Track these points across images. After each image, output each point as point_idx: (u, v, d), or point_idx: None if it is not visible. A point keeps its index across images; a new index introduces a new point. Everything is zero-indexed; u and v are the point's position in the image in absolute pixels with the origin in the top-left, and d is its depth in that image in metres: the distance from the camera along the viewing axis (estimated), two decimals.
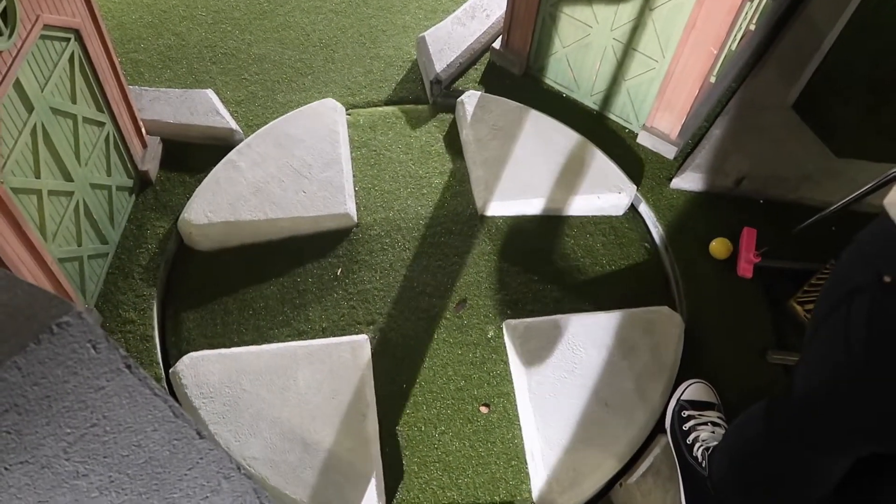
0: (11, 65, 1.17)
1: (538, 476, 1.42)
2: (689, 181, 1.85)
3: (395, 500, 1.42)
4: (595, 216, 1.81)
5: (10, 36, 1.15)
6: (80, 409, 0.72)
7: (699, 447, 1.40)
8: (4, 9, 1.14)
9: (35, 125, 1.27)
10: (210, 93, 1.86)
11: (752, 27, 1.92)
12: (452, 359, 1.58)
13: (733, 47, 1.84)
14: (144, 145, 1.73)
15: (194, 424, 0.78)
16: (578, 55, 1.90)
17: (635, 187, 1.80)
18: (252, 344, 1.55)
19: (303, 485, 1.36)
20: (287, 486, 1.36)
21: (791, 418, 1.09)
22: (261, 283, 1.64)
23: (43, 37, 1.26)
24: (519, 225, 1.77)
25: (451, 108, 1.97)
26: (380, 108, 1.96)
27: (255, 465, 1.39)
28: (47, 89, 1.29)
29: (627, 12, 1.71)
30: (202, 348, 1.53)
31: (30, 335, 0.71)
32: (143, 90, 1.84)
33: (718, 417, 1.45)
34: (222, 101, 1.90)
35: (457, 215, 1.77)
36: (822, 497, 1.20)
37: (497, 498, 1.43)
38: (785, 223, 1.77)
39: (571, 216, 1.80)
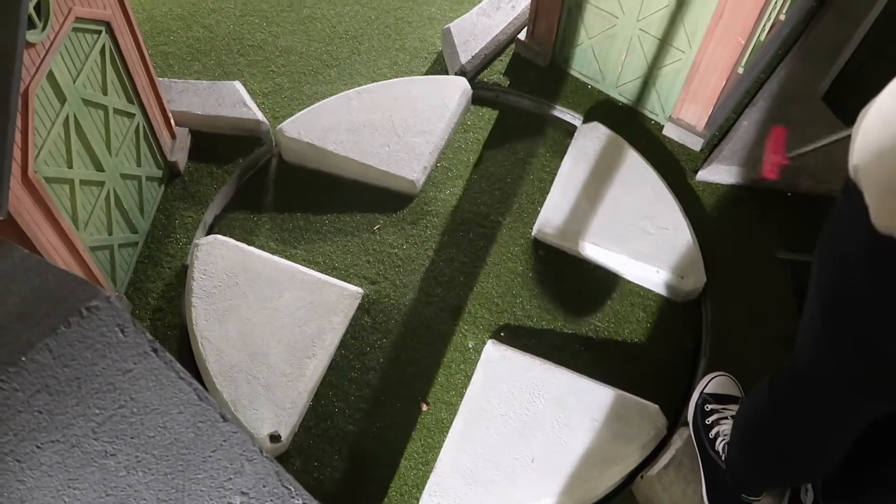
0: (45, 57, 1.20)
1: (430, 489, 1.40)
2: (715, 173, 1.84)
3: (291, 440, 1.46)
4: (645, 288, 1.68)
5: (44, 29, 1.18)
6: (108, 391, 0.74)
7: (721, 441, 1.40)
8: (38, 2, 1.17)
9: (67, 116, 1.30)
10: (237, 84, 1.88)
11: (783, 17, 1.90)
12: (425, 349, 1.58)
13: (762, 38, 1.82)
14: (173, 136, 1.76)
15: (218, 408, 0.80)
16: (604, 46, 1.89)
17: (704, 280, 1.64)
18: (271, 252, 1.65)
19: (231, 383, 1.46)
20: (219, 375, 1.47)
21: (791, 382, 1.09)
22: (312, 209, 1.76)
23: (75, 29, 1.29)
24: (564, 260, 1.70)
25: (484, 101, 1.97)
26: None
27: (205, 344, 1.50)
28: (79, 81, 1.32)
29: (654, 2, 1.70)
30: (233, 236, 1.67)
31: (60, 318, 0.74)
32: (172, 82, 1.87)
33: None
34: (249, 93, 1.92)
35: (509, 225, 1.75)
36: (835, 465, 1.20)
37: (387, 493, 1.43)
38: (812, 216, 1.75)
39: (622, 277, 1.69)
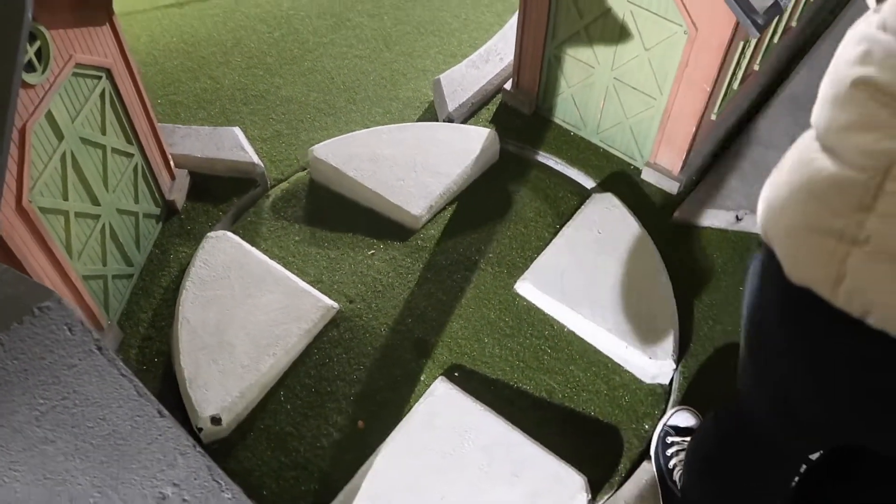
0: (44, 97, 1.32)
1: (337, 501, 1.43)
2: (690, 215, 1.89)
3: (234, 429, 1.55)
4: (614, 361, 1.67)
5: (44, 72, 1.31)
6: (53, 383, 0.82)
7: (678, 471, 1.42)
8: (39, 48, 1.30)
9: (65, 152, 1.42)
10: (237, 130, 2.01)
11: (756, 67, 1.97)
12: (379, 372, 1.64)
13: (735, 86, 1.89)
14: (173, 177, 1.87)
15: (156, 404, 0.86)
16: (584, 94, 1.98)
17: (672, 368, 1.62)
18: (270, 256, 1.78)
19: (194, 362, 1.57)
20: (186, 354, 1.58)
21: (732, 416, 1.12)
22: (322, 225, 1.89)
23: (75, 74, 1.42)
24: (538, 318, 1.73)
25: (510, 155, 2.05)
26: (277, 188, 2.04)
27: (183, 324, 1.62)
28: (78, 121, 1.44)
29: (626, 52, 1.79)
30: (245, 236, 1.83)
31: (14, 316, 0.82)
32: (176, 127, 2.00)
33: None
34: (249, 139, 2.04)
35: (495, 273, 1.80)
36: (780, 497, 1.22)
37: (310, 496, 1.49)
38: None
39: (592, 345, 1.69)
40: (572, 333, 1.71)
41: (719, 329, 1.73)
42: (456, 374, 1.64)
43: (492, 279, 1.80)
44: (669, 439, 1.49)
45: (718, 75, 1.68)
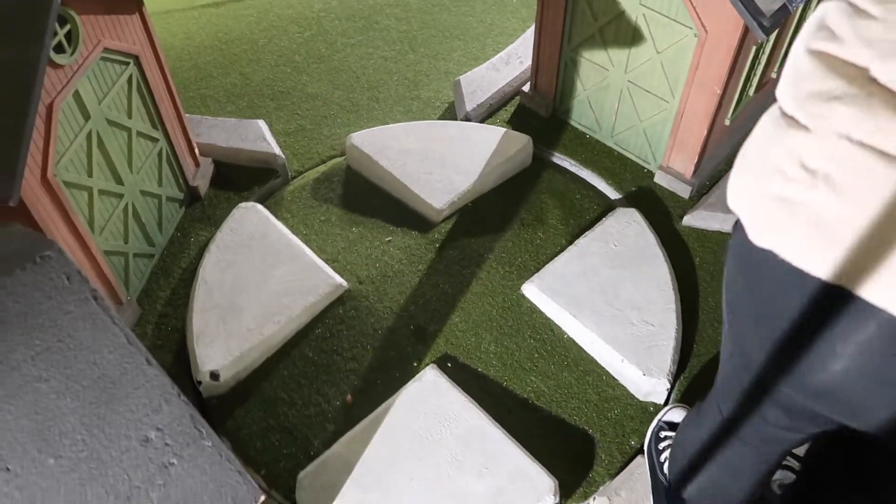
0: (71, 78, 1.40)
1: (311, 468, 1.49)
2: (700, 219, 1.90)
3: (231, 387, 1.63)
4: (609, 374, 1.67)
5: (72, 54, 1.39)
6: (49, 327, 0.88)
7: (667, 463, 1.43)
8: (69, 30, 1.38)
9: (90, 131, 1.50)
10: (261, 123, 2.08)
11: (773, 75, 1.98)
12: (375, 352, 1.69)
13: (750, 93, 1.90)
14: (197, 164, 1.95)
15: (145, 353, 0.92)
16: (599, 97, 2.00)
17: (667, 387, 1.60)
18: (293, 231, 1.86)
19: (203, 320, 1.67)
20: (198, 311, 1.68)
21: (711, 398, 1.13)
22: (349, 208, 1.97)
23: (103, 58, 1.50)
24: (539, 321, 1.75)
25: (542, 161, 2.08)
26: (317, 169, 2.12)
27: (200, 284, 1.73)
28: (104, 103, 1.53)
29: (639, 55, 1.82)
30: (274, 209, 1.93)
31: (18, 264, 0.88)
32: (204, 118, 2.08)
33: None
34: (274, 132, 2.12)
35: (504, 273, 1.83)
36: (743, 496, 1.22)
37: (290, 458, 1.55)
38: None
39: (590, 354, 1.70)
40: (571, 340, 1.72)
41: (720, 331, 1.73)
42: (448, 364, 1.68)
43: (500, 278, 1.83)
44: (663, 434, 1.50)
45: (729, 78, 1.69)
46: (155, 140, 1.75)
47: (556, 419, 1.61)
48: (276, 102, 2.26)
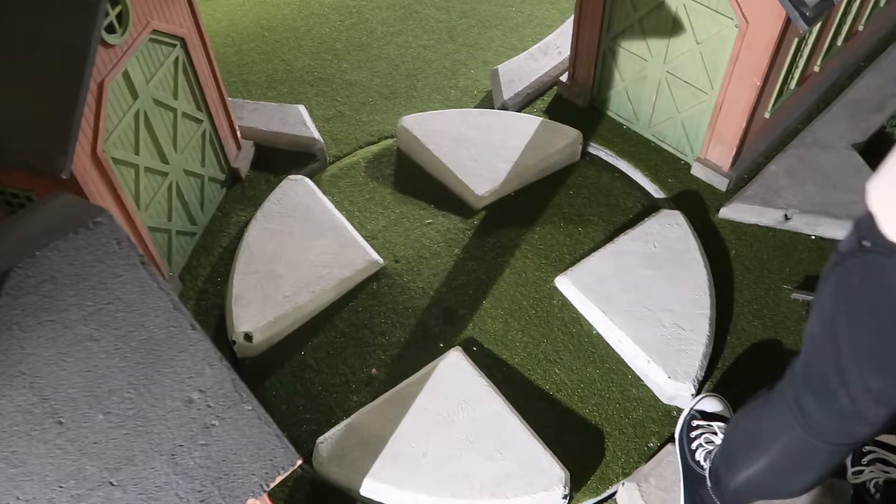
0: (121, 58, 1.45)
1: (330, 434, 1.53)
2: (737, 211, 1.89)
3: (262, 352, 1.71)
4: (634, 373, 1.66)
5: (123, 34, 1.43)
6: (100, 289, 0.92)
7: (701, 451, 1.43)
8: (120, 12, 1.42)
9: (138, 110, 1.54)
10: (301, 108, 2.12)
11: (817, 69, 1.96)
12: (402, 329, 1.73)
13: (791, 86, 1.88)
14: (239, 146, 2.00)
15: (189, 318, 0.95)
16: (637, 88, 2.00)
17: (692, 392, 1.58)
18: (337, 206, 1.92)
19: (244, 283, 1.74)
20: (239, 274, 1.76)
21: (788, 389, 1.11)
22: (395, 188, 2.02)
23: (152, 40, 1.54)
24: (569, 315, 1.75)
25: (592, 158, 2.08)
26: (368, 149, 2.15)
27: (244, 249, 1.80)
28: (152, 83, 1.57)
29: (678, 46, 1.81)
30: (321, 184, 2.00)
31: (71, 228, 0.92)
32: (246, 102, 2.13)
33: (724, 429, 1.47)
34: (313, 118, 2.15)
35: (539, 265, 1.84)
36: (811, 483, 1.21)
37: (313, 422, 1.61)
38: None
39: (617, 352, 1.70)
40: (599, 337, 1.72)
41: (758, 324, 1.72)
42: (474, 348, 1.70)
43: (534, 269, 1.84)
44: (695, 423, 1.50)
45: (770, 70, 1.68)
46: (199, 121, 1.79)
47: (576, 413, 1.62)
48: (315, 89, 2.30)
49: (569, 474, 1.47)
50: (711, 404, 1.54)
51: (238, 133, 1.98)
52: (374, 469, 1.48)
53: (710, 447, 1.42)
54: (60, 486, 0.85)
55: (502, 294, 1.80)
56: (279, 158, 2.07)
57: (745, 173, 1.98)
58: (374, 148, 2.11)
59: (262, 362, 1.69)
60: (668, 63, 1.86)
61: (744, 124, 1.80)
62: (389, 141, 2.13)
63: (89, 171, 1.40)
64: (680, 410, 1.60)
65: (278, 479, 0.95)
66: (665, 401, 1.63)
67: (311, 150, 2.06)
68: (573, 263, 1.80)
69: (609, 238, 1.84)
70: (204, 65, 1.75)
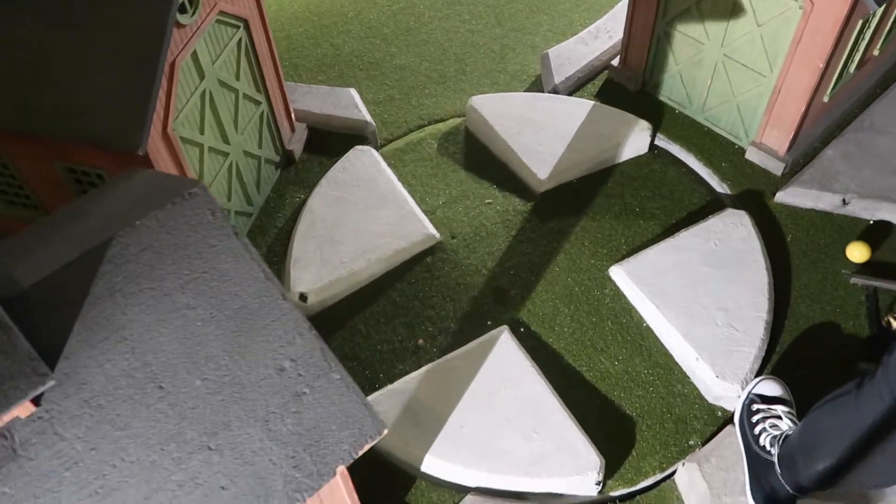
0: (191, 38, 1.47)
1: (374, 397, 1.58)
2: (794, 196, 1.88)
3: (316, 313, 1.76)
4: (681, 369, 1.65)
5: (193, 14, 1.45)
6: (196, 258, 0.94)
7: (766, 436, 1.43)
8: None
9: (204, 90, 1.57)
10: (352, 91, 2.13)
11: (877, 53, 1.93)
12: (452, 304, 1.77)
13: (851, 70, 1.86)
14: (293, 129, 2.02)
15: (280, 288, 0.97)
16: (691, 72, 1.99)
17: (738, 392, 1.56)
18: (401, 179, 1.96)
19: (303, 246, 1.80)
20: (300, 237, 1.82)
21: (887, 380, 1.10)
22: (459, 166, 2.04)
23: (218, 21, 1.56)
24: (621, 305, 1.75)
25: (660, 151, 2.06)
26: (436, 126, 2.17)
27: (306, 213, 1.86)
28: (217, 63, 1.59)
29: (737, 28, 1.80)
30: (389, 158, 2.03)
31: (168, 199, 0.94)
32: (298, 85, 2.15)
33: (788, 413, 1.46)
34: (363, 101, 2.16)
35: (595, 254, 1.84)
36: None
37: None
38: (894, 245, 1.78)
39: (665, 347, 1.68)
40: (649, 329, 1.71)
41: (817, 308, 1.71)
42: (521, 329, 1.71)
43: (589, 256, 1.83)
44: (755, 406, 1.49)
45: (833, 52, 1.67)
46: (258, 103, 1.81)
47: (617, 403, 1.61)
48: (365, 73, 2.31)
49: (604, 461, 1.48)
50: (770, 387, 1.53)
51: (292, 115, 2.00)
52: (411, 436, 1.51)
53: (776, 432, 1.42)
54: (162, 449, 0.88)
55: (555, 278, 1.80)
56: (331, 141, 2.08)
57: (801, 158, 1.96)
58: (442, 126, 2.13)
59: (315, 324, 1.70)
60: (726, 46, 1.85)
61: (803, 108, 1.78)
62: (458, 120, 2.14)
63: (160, 150, 1.43)
64: (724, 411, 1.59)
65: (366, 447, 0.97)
66: (711, 400, 1.61)
67: (363, 133, 2.07)
68: (629, 255, 1.79)
69: (669, 233, 1.82)
70: (264, 47, 1.77)
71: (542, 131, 2.00)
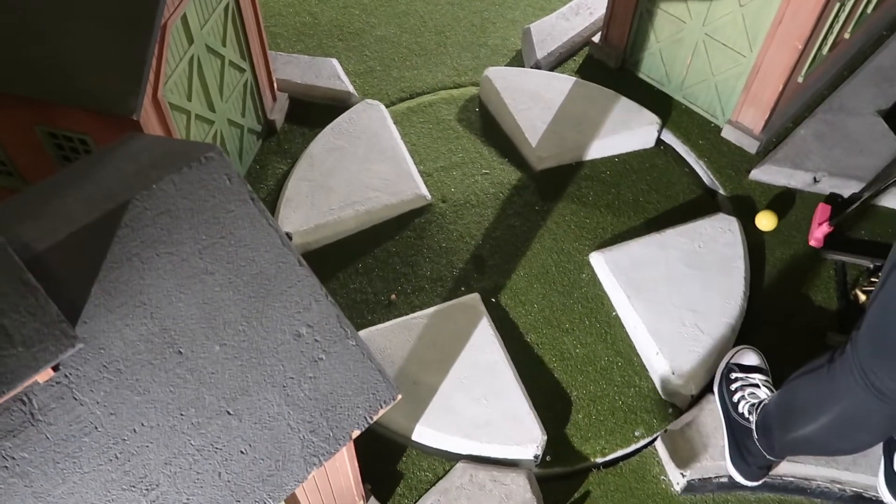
0: (182, 0, 1.43)
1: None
2: (767, 174, 1.94)
3: (301, 253, 1.67)
4: (641, 360, 1.68)
5: None
6: (213, 223, 0.93)
7: (744, 404, 1.49)
8: None
9: (192, 56, 1.53)
10: (334, 62, 2.11)
11: (847, 36, 2.00)
12: (430, 264, 1.80)
13: (824, 52, 1.92)
14: (274, 98, 1.99)
15: (296, 254, 0.97)
16: (671, 50, 2.03)
17: (689, 398, 1.60)
18: (404, 138, 2.00)
19: (297, 189, 1.85)
20: (294, 179, 1.87)
21: (856, 352, 1.15)
22: (460, 133, 2.06)
23: None
24: (595, 292, 1.77)
25: (668, 150, 2.06)
26: (448, 91, 2.18)
27: (305, 157, 1.91)
28: (205, 29, 1.56)
29: (719, 8, 1.84)
30: (398, 117, 2.06)
31: (184, 163, 0.93)
32: (278, 54, 2.11)
33: (765, 381, 1.53)
34: (344, 71, 2.15)
35: (578, 239, 1.86)
36: (868, 444, 1.27)
37: None
38: (861, 220, 1.85)
39: (629, 337, 1.70)
40: (617, 319, 1.73)
41: (789, 281, 1.78)
42: (493, 299, 1.75)
43: (573, 240, 1.85)
44: (733, 375, 1.55)
45: (812, 34, 1.72)
46: (242, 70, 1.78)
47: (572, 385, 1.65)
48: (344, 43, 2.29)
49: (546, 437, 1.52)
50: (748, 357, 1.59)
51: (275, 85, 1.97)
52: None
53: (754, 400, 1.48)
54: (182, 414, 0.87)
55: (534, 255, 1.83)
56: (313, 112, 2.06)
57: (774, 137, 2.02)
58: (456, 92, 2.14)
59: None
60: (708, 25, 1.89)
61: (780, 87, 1.84)
62: (473, 89, 2.15)
63: (150, 115, 1.40)
64: (675, 409, 1.63)
65: (381, 413, 0.98)
66: (664, 396, 1.64)
67: (345, 105, 2.06)
68: (613, 243, 1.81)
69: (658, 229, 1.82)
70: (250, 13, 1.73)
71: (550, 111, 2.01)
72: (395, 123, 2.00)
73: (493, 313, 1.70)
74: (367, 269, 1.79)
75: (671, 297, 1.70)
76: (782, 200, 1.92)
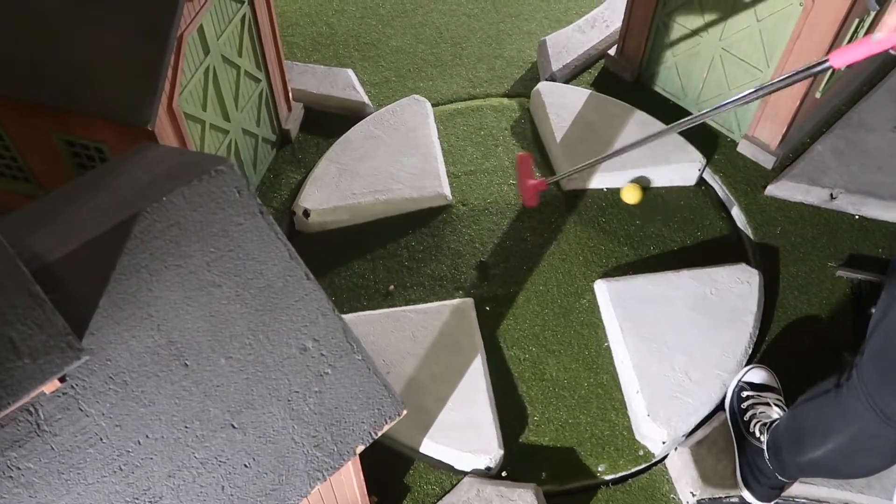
0: (199, 12, 1.44)
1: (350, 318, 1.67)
2: (783, 189, 1.92)
3: (315, 235, 1.87)
4: (621, 398, 1.64)
5: None
6: (222, 236, 0.93)
7: (756, 423, 1.47)
8: None
9: (208, 66, 1.54)
10: (350, 72, 2.12)
11: None
12: (435, 264, 1.83)
13: (842, 67, 1.90)
14: (290, 108, 2.00)
15: (304, 268, 0.97)
16: (688, 64, 2.02)
17: (662, 443, 1.54)
18: (440, 138, 2.05)
19: (326, 170, 1.92)
20: (326, 160, 1.94)
21: (862, 379, 1.14)
22: (498, 141, 2.08)
23: None
24: (592, 319, 1.74)
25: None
26: (499, 99, 2.18)
27: (344, 140, 1.98)
28: (221, 39, 1.57)
29: (737, 22, 1.82)
30: (442, 116, 2.11)
31: (194, 175, 0.93)
32: (295, 64, 2.13)
33: (776, 400, 1.51)
34: (359, 81, 2.15)
35: (587, 265, 1.83)
36: (877, 469, 1.25)
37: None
38: (879, 240, 1.82)
39: (615, 371, 1.66)
40: (608, 350, 1.69)
41: (804, 299, 1.76)
42: (487, 307, 1.75)
43: (582, 264, 1.83)
44: (745, 394, 1.54)
45: (830, 49, 1.70)
46: (258, 80, 1.79)
47: (546, 408, 1.62)
48: (360, 53, 2.30)
49: (503, 453, 1.51)
50: (759, 375, 1.57)
51: (290, 94, 1.98)
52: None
53: (766, 419, 1.46)
54: (186, 427, 0.88)
55: (539, 272, 1.82)
56: (328, 121, 2.07)
57: (790, 152, 2.00)
58: (506, 101, 2.17)
59: (309, 240, 1.86)
60: (724, 40, 1.88)
61: (797, 103, 1.82)
62: (526, 100, 2.17)
63: (165, 125, 1.41)
64: (647, 451, 1.57)
65: (386, 428, 0.98)
66: (637, 437, 1.59)
67: (360, 115, 2.07)
68: (623, 275, 1.77)
69: (674, 268, 1.77)
70: (266, 24, 1.75)
71: (592, 132, 1.99)
72: (438, 123, 2.04)
73: (484, 321, 1.70)
74: (375, 257, 1.83)
75: (667, 339, 1.64)
76: (798, 217, 1.90)
